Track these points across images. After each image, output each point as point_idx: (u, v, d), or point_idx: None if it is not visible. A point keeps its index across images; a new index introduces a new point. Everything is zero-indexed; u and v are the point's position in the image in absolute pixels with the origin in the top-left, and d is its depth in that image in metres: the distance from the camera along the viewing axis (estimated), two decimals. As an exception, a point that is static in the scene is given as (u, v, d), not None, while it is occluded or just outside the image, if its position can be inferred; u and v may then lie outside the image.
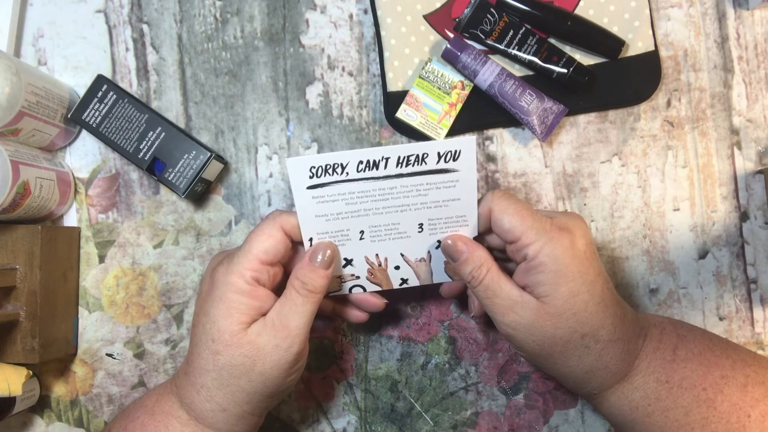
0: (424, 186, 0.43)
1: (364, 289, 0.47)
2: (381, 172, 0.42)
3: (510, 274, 0.44)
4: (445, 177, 0.42)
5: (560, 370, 0.43)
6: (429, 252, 0.46)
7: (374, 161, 0.41)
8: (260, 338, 0.42)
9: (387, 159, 0.41)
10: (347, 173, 0.42)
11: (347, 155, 0.41)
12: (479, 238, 0.45)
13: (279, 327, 0.42)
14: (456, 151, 0.41)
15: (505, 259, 0.46)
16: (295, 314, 0.42)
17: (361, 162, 0.41)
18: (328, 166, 0.41)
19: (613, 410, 0.44)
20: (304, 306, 0.42)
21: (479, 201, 0.44)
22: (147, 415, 0.45)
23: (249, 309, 0.42)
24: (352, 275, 0.47)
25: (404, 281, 0.47)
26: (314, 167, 0.41)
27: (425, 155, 0.41)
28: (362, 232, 0.44)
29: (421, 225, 0.44)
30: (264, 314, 0.43)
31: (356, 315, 0.49)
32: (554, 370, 0.44)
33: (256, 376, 0.42)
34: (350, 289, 0.48)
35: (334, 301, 0.49)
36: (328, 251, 0.43)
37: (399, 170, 0.42)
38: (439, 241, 0.45)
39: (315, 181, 0.42)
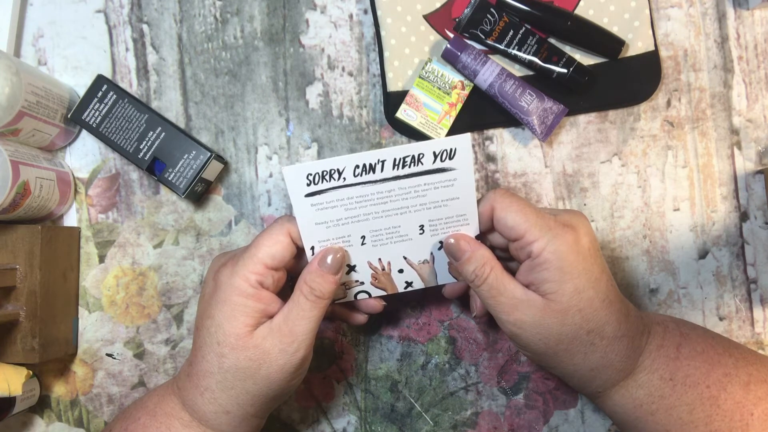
0: (422, 187, 0.42)
1: (370, 295, 0.47)
2: (378, 175, 0.42)
3: (512, 274, 0.44)
4: (443, 176, 0.42)
5: (565, 368, 0.43)
6: (432, 253, 0.46)
7: (370, 165, 0.41)
8: (266, 342, 0.42)
9: (383, 162, 0.41)
10: (344, 178, 0.42)
11: (343, 160, 0.41)
12: (481, 238, 0.45)
13: (286, 332, 0.42)
14: (451, 150, 0.41)
15: (507, 258, 0.46)
16: (302, 319, 0.42)
17: (357, 166, 0.41)
18: (325, 173, 0.41)
19: (617, 408, 0.44)
20: (311, 311, 0.42)
21: (480, 200, 0.44)
22: (148, 416, 0.44)
23: (254, 312, 0.42)
24: (357, 281, 0.46)
25: (409, 284, 0.47)
26: (311, 174, 0.41)
27: (421, 155, 0.41)
28: (363, 237, 0.44)
29: (422, 226, 0.44)
30: (268, 316, 0.43)
31: (355, 318, 0.49)
32: (559, 368, 0.44)
33: (260, 380, 0.42)
34: (356, 296, 0.47)
35: (332, 303, 0.49)
36: (338, 255, 0.43)
37: (396, 172, 0.42)
38: (441, 242, 0.45)
39: (313, 188, 0.42)
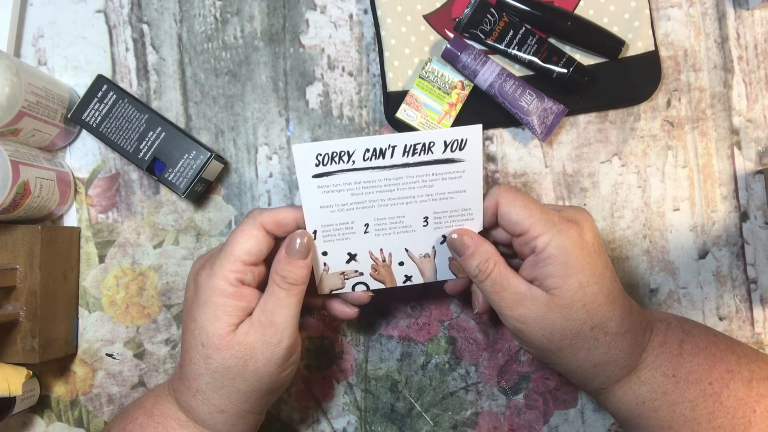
0: (430, 176, 0.43)
1: (368, 287, 0.47)
2: (387, 161, 0.42)
3: (515, 270, 0.44)
4: (451, 167, 0.42)
5: (568, 364, 0.43)
6: (434, 247, 0.46)
7: (381, 149, 0.41)
8: (249, 337, 0.41)
9: (394, 147, 0.41)
10: (353, 161, 0.42)
11: (354, 142, 0.41)
12: (483, 234, 0.45)
13: (266, 324, 0.42)
14: (462, 140, 0.42)
15: (509, 255, 0.46)
16: (280, 308, 0.42)
17: (367, 150, 0.41)
18: (335, 154, 0.41)
19: (620, 405, 0.44)
20: (288, 299, 0.42)
21: (484, 195, 0.44)
22: (146, 416, 0.44)
23: (236, 310, 0.42)
24: (356, 271, 0.46)
25: (408, 278, 0.47)
26: (320, 154, 0.41)
27: (432, 144, 0.42)
28: (367, 225, 0.44)
29: (426, 218, 0.44)
30: (252, 313, 0.43)
31: (343, 311, 0.48)
32: (562, 364, 0.44)
33: (250, 375, 0.42)
34: (353, 287, 0.47)
35: (322, 297, 0.48)
36: (305, 239, 0.43)
37: (405, 159, 0.42)
38: (444, 236, 0.45)
39: (321, 169, 0.42)
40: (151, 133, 0.53)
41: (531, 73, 0.54)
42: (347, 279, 0.47)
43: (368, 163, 0.42)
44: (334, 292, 0.47)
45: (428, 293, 0.55)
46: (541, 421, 0.54)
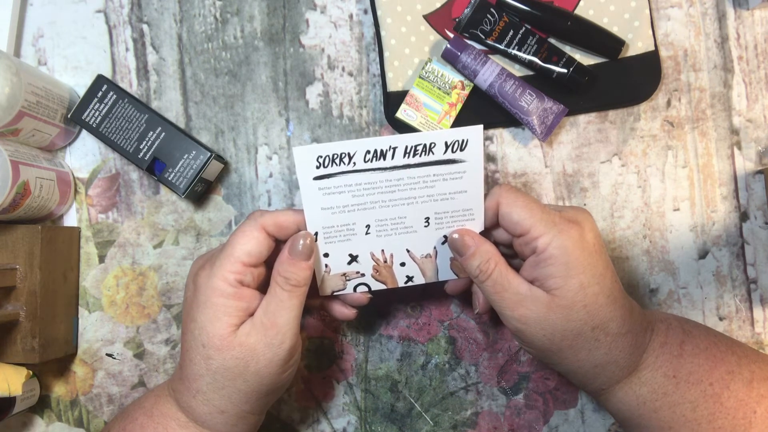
0: (431, 177, 0.43)
1: (369, 288, 0.47)
2: (388, 162, 0.42)
3: (516, 270, 0.44)
4: (452, 168, 0.42)
5: (569, 365, 0.43)
6: (435, 248, 0.46)
7: (382, 151, 0.41)
8: (250, 338, 0.41)
9: (394, 149, 0.42)
10: (354, 163, 0.42)
11: (355, 144, 0.41)
12: (484, 234, 0.45)
13: (268, 325, 0.42)
14: (463, 141, 0.42)
15: (510, 255, 0.46)
16: (282, 310, 0.42)
17: (368, 151, 0.41)
18: (335, 156, 0.41)
19: (621, 406, 0.44)
20: (290, 301, 0.42)
21: (485, 196, 0.44)
22: (145, 417, 0.44)
23: (236, 311, 0.42)
24: (357, 272, 0.46)
25: (409, 279, 0.47)
26: (321, 156, 0.41)
27: (432, 145, 0.42)
28: (368, 226, 0.44)
29: (427, 219, 0.44)
30: (251, 314, 0.43)
31: (342, 312, 0.48)
32: (563, 365, 0.44)
33: (251, 376, 0.42)
34: (355, 288, 0.47)
35: (330, 296, 0.49)
36: (307, 241, 0.43)
37: (406, 160, 0.42)
38: (445, 237, 0.45)
39: (322, 171, 0.42)
40: (151, 133, 0.53)
41: (531, 73, 0.54)
42: (349, 280, 0.47)
43: (369, 165, 0.42)
44: (335, 293, 0.47)
45: (428, 293, 0.55)
46: (541, 421, 0.54)
